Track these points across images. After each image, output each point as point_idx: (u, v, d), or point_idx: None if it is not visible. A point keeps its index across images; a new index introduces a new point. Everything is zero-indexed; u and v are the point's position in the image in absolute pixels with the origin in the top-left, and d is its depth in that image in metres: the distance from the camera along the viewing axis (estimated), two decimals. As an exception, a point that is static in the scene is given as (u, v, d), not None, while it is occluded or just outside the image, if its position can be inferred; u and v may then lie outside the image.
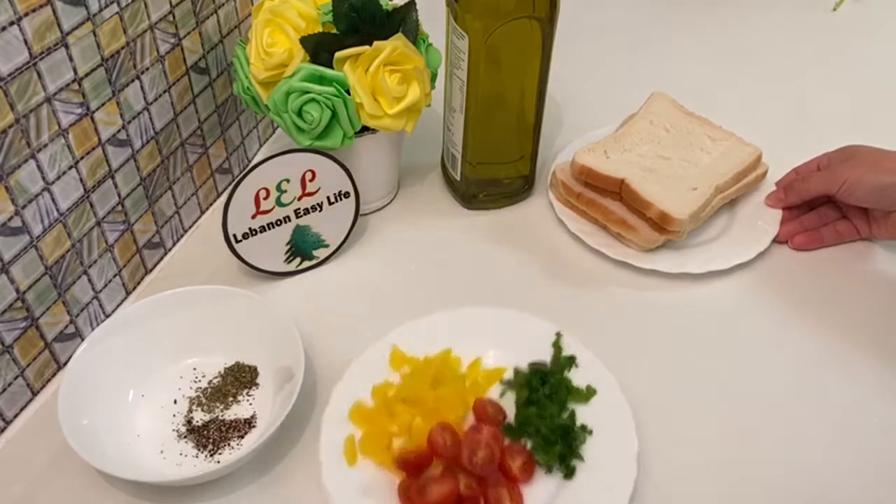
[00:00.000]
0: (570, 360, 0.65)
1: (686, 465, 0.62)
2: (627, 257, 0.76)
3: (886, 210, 0.74)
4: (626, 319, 0.73)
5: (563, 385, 0.63)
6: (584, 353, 0.66)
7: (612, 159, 0.79)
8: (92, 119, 0.63)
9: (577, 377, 0.65)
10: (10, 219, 0.58)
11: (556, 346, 0.66)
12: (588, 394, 0.63)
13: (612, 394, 0.63)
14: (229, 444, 0.62)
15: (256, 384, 0.66)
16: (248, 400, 0.66)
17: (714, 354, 0.70)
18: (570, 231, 0.79)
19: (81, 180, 0.64)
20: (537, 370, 0.65)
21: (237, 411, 0.65)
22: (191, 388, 0.66)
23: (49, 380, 0.67)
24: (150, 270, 0.76)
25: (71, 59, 0.59)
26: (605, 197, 0.78)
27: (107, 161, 0.66)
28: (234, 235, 0.71)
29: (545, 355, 0.66)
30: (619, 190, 0.77)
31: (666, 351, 0.70)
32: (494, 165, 0.80)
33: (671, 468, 0.61)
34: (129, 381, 0.65)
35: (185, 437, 0.63)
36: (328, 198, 0.74)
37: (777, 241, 0.78)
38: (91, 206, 0.66)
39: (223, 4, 0.76)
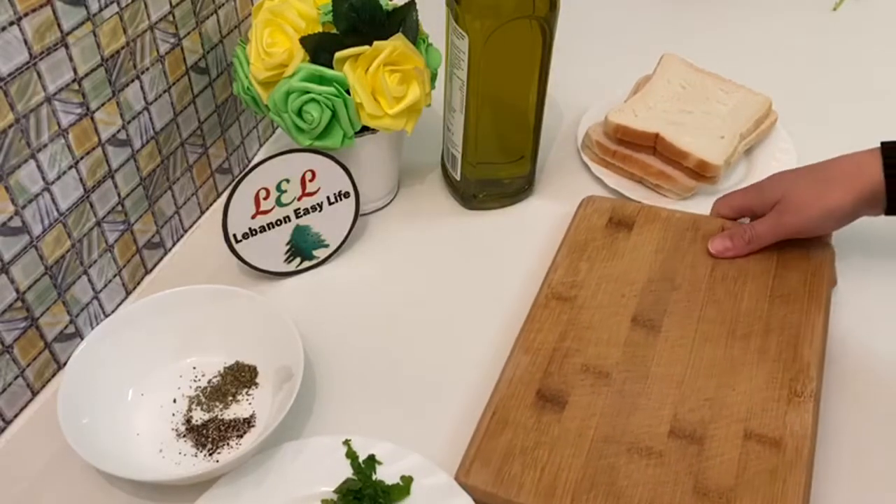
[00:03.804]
0: (372, 462, 0.60)
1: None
2: (668, 205, 0.79)
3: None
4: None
5: (379, 490, 0.58)
6: (381, 445, 0.61)
7: (641, 117, 0.84)
8: (92, 119, 0.63)
9: (385, 472, 0.59)
10: (10, 219, 0.58)
11: (350, 455, 0.60)
12: (406, 484, 0.59)
13: (426, 466, 0.59)
14: (228, 444, 0.63)
15: (256, 384, 0.66)
16: (247, 399, 0.66)
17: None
18: (609, 187, 0.83)
19: (81, 180, 0.64)
20: (347, 492, 0.58)
21: (236, 411, 0.65)
22: (190, 387, 0.66)
23: (49, 380, 0.67)
24: (150, 270, 0.76)
25: (71, 59, 0.59)
26: (639, 152, 0.83)
27: (107, 161, 0.66)
28: (234, 235, 0.71)
29: (344, 471, 0.60)
30: (653, 144, 0.82)
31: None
32: (494, 165, 0.80)
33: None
34: (129, 381, 0.65)
35: (185, 436, 0.63)
36: (328, 198, 0.74)
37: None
38: (91, 206, 0.66)
39: (223, 4, 0.76)
